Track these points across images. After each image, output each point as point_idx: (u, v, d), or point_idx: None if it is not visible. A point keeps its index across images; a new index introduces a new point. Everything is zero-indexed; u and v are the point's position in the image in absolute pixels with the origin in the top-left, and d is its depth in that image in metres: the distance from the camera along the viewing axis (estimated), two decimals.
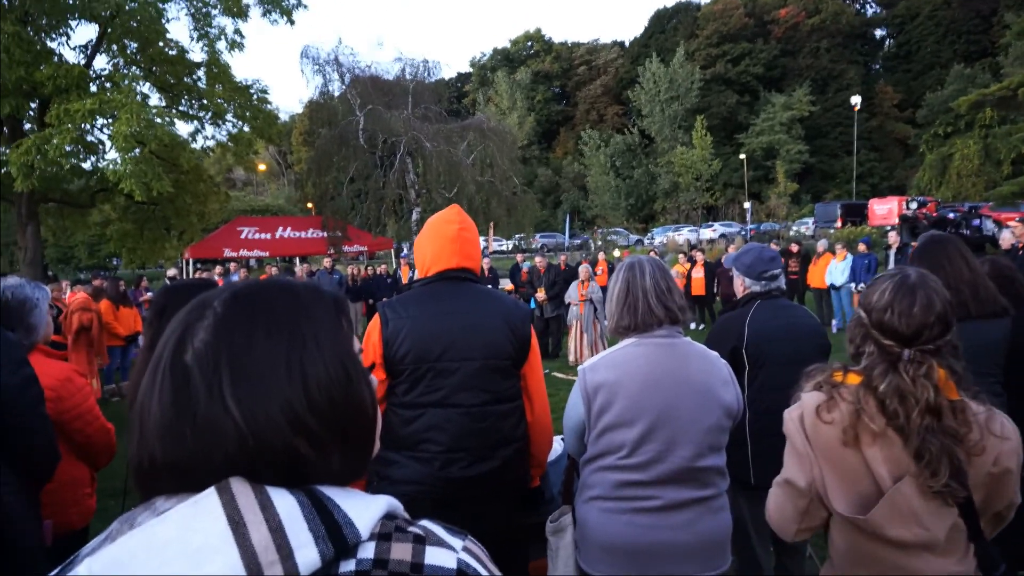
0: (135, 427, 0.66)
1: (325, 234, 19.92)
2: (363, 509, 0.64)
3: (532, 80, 62.24)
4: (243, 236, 19.07)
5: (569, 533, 2.15)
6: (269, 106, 18.60)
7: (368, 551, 0.62)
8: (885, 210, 28.07)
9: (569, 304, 10.22)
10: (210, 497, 0.60)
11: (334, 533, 0.60)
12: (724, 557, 2.02)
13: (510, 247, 30.91)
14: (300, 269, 13.96)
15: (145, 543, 0.58)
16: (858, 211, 31.36)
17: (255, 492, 0.60)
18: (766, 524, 2.76)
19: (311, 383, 0.65)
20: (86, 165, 17.10)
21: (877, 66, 62.10)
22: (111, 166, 14.26)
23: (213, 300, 0.69)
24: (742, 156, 48.29)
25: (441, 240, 2.25)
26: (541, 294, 10.98)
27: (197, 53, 17.21)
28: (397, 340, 2.12)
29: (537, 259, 11.73)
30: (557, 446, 2.80)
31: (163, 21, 15.71)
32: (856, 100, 39.13)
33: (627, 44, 66.42)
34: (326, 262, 14.13)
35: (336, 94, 23.40)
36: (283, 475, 0.63)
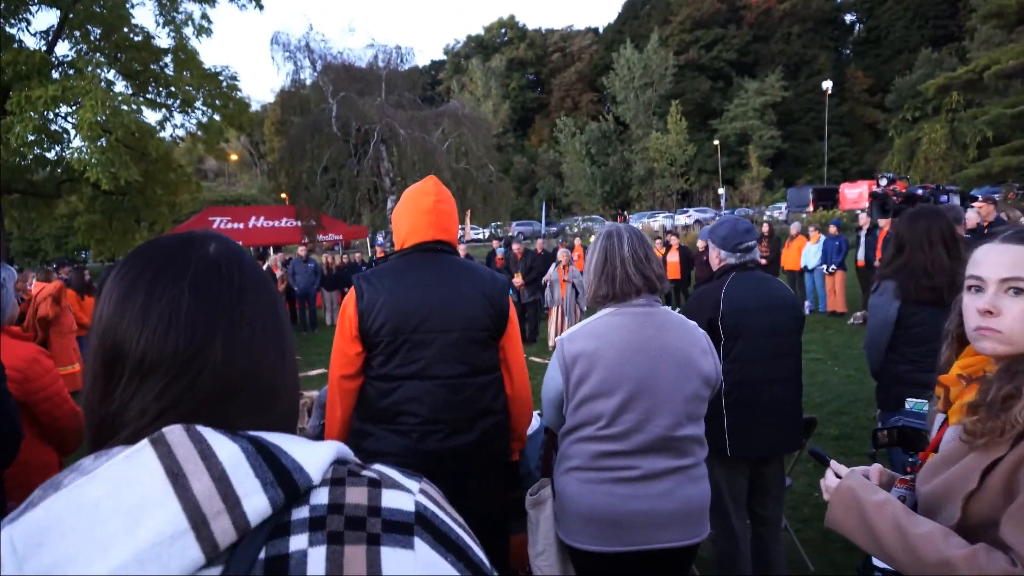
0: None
1: (299, 223, 19.68)
2: (312, 454, 0.61)
3: (506, 67, 61.98)
4: (216, 226, 18.75)
5: (549, 506, 2.14)
6: (239, 94, 18.32)
7: (322, 496, 0.59)
8: (856, 194, 28.48)
9: (547, 284, 10.21)
10: (144, 450, 0.56)
11: (283, 479, 0.57)
12: (703, 525, 2.02)
13: (486, 235, 30.81)
14: (274, 258, 13.76)
15: (73, 505, 0.54)
16: (829, 195, 31.81)
17: (193, 441, 0.56)
18: (742, 494, 2.81)
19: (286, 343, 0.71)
20: (51, 155, 16.73)
21: (848, 51, 62.79)
22: (76, 155, 13.94)
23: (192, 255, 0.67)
24: (716, 142, 48.67)
25: (417, 212, 2.21)
26: (518, 279, 10.97)
27: (164, 39, 16.88)
28: (373, 312, 2.09)
29: (514, 245, 11.69)
30: (535, 421, 2.80)
31: (128, 6, 15.36)
32: (827, 85, 39.62)
33: (601, 31, 66.41)
34: (301, 251, 13.98)
35: (308, 82, 23.03)
36: (218, 424, 0.60)
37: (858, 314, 10.53)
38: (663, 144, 47.30)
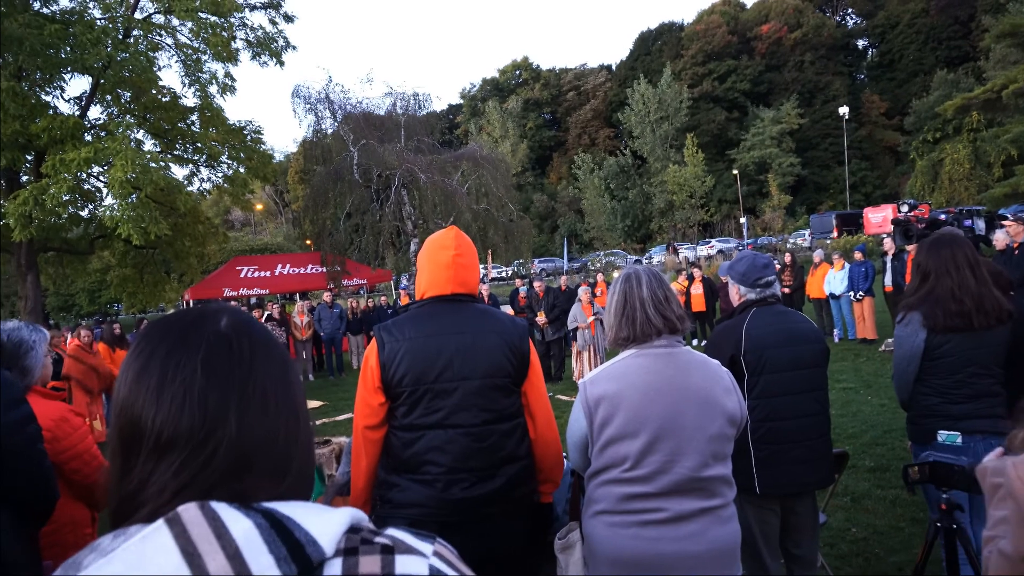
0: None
1: (324, 269, 19.96)
2: (325, 524, 0.62)
3: (523, 108, 62.97)
4: (243, 275, 19.10)
5: (578, 549, 2.13)
6: (263, 146, 18.80)
7: (335, 568, 0.60)
8: (880, 218, 28.19)
9: (577, 328, 10.18)
10: (159, 530, 0.58)
11: (296, 553, 0.58)
12: (735, 567, 1.99)
13: (509, 273, 30.96)
14: (300, 305, 13.95)
15: None
16: (853, 220, 31.52)
17: (207, 519, 0.58)
18: (774, 533, 2.75)
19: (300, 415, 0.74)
20: (84, 213, 17.27)
21: (862, 76, 62.83)
22: (108, 212, 14.38)
23: (206, 330, 0.70)
24: (735, 171, 48.64)
25: (436, 267, 2.25)
26: (541, 318, 10.97)
27: (190, 98, 17.46)
28: (394, 363, 2.11)
29: (536, 283, 11.73)
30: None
31: (155, 69, 15.91)
32: (844, 111, 39.62)
33: (614, 67, 67.30)
34: (326, 296, 14.15)
35: (329, 131, 23.62)
36: (234, 496, 0.63)
37: (889, 340, 10.33)
38: (681, 176, 47.43)
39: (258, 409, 0.69)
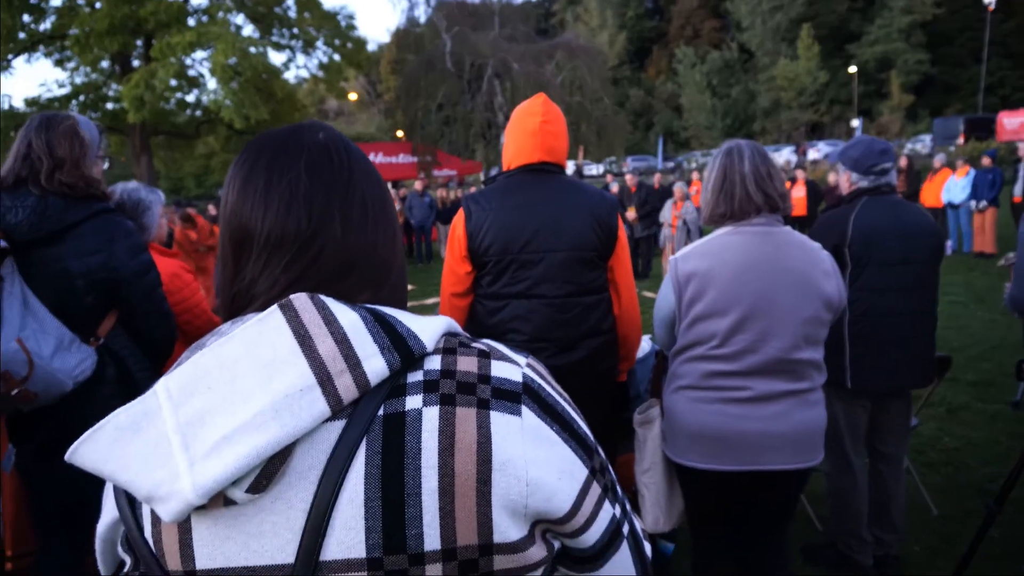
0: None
1: (416, 159, 20.17)
2: (425, 324, 0.64)
3: None
4: None
5: (657, 424, 2.15)
6: (356, 32, 18.75)
7: (435, 363, 0.63)
8: (1016, 124, 25.44)
9: (663, 225, 9.97)
10: (274, 314, 0.61)
11: (399, 345, 0.60)
12: (817, 451, 1.96)
13: (601, 171, 30.28)
14: (392, 193, 14.25)
15: (216, 361, 0.60)
16: (984, 126, 28.48)
17: (317, 308, 0.61)
18: (861, 428, 2.69)
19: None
20: (190, 98, 17.98)
21: None
22: (212, 97, 14.91)
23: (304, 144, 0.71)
24: (852, 69, 44.56)
25: (523, 134, 2.19)
26: (632, 213, 10.75)
27: None
28: (481, 232, 2.12)
29: (628, 177, 11.42)
30: (645, 344, 2.78)
31: None
32: None
33: None
34: (417, 185, 14.35)
35: (422, 19, 23.18)
36: (339, 295, 0.65)
37: (1010, 254, 9.54)
38: (792, 72, 43.97)
39: (359, 216, 0.70)
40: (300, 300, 0.61)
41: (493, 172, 3.35)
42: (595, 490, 0.66)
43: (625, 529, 0.70)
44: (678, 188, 10.01)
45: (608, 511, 0.68)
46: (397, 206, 13.57)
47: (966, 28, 47.24)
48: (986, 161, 10.84)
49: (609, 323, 2.23)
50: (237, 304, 0.69)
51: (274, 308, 0.61)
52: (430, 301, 9.03)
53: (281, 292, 0.66)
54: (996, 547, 2.84)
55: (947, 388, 4.78)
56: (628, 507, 0.73)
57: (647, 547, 0.74)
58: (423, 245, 14.00)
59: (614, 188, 11.65)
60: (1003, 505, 2.19)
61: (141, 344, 2.03)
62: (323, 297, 0.62)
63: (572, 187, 2.20)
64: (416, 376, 0.61)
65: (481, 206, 2.15)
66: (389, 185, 18.52)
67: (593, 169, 32.03)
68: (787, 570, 2.18)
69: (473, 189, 15.58)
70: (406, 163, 20.39)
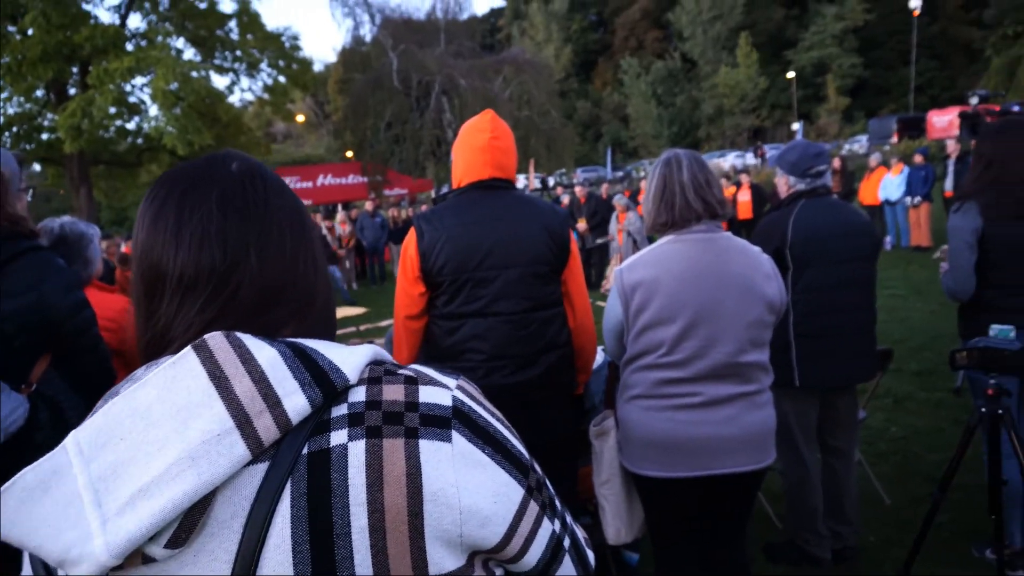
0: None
1: (366, 179, 20.03)
2: (348, 355, 0.63)
3: (568, 9, 60.07)
4: None
5: (612, 435, 2.16)
6: (301, 53, 18.57)
7: (359, 394, 0.61)
8: (945, 122, 26.51)
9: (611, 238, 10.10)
10: (188, 356, 0.59)
11: (321, 379, 0.59)
12: (769, 451, 2.00)
13: (551, 183, 30.55)
14: (342, 214, 14.09)
15: (128, 409, 0.57)
16: (916, 124, 29.70)
17: (233, 346, 0.59)
18: (812, 425, 2.75)
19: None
20: (130, 125, 17.52)
21: None
22: (153, 123, 14.57)
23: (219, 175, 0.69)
24: (790, 74, 46.05)
25: (472, 151, 2.19)
26: (582, 224, 10.86)
27: (227, 4, 17.25)
28: (434, 252, 2.10)
29: (577, 188, 11.56)
30: (599, 356, 2.80)
31: None
32: (916, 3, 36.64)
33: None
34: (368, 206, 14.24)
35: (368, 37, 23.14)
36: (259, 332, 0.63)
37: (944, 247, 9.95)
38: (733, 79, 45.20)
39: (277, 247, 0.68)
40: (215, 339, 0.59)
41: (444, 190, 3.34)
42: (533, 509, 0.66)
43: (567, 543, 0.70)
44: (617, 201, 10.15)
45: (547, 528, 0.67)
46: (347, 228, 13.48)
47: (895, 32, 49.31)
48: (918, 159, 11.30)
49: (565, 336, 2.24)
50: (153, 348, 0.67)
51: (188, 350, 0.59)
52: (384, 323, 8.93)
53: (198, 333, 0.63)
54: (946, 531, 2.94)
55: (892, 379, 4.93)
56: (568, 519, 0.73)
57: (590, 556, 0.75)
58: (376, 266, 13.87)
59: (565, 200, 11.75)
60: (946, 492, 2.26)
61: (77, 387, 1.96)
62: (240, 334, 0.61)
63: (524, 202, 2.21)
64: (340, 410, 0.60)
65: (433, 225, 2.14)
66: (339, 207, 18.40)
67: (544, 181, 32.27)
68: (749, 570, 2.22)
69: (425, 207, 15.54)
70: (356, 183, 20.25)
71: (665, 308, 1.92)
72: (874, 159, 12.31)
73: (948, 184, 10.41)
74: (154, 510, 0.52)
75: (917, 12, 36.37)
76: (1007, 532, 2.50)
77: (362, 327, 9.02)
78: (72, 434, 0.58)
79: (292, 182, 19.59)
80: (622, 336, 2.05)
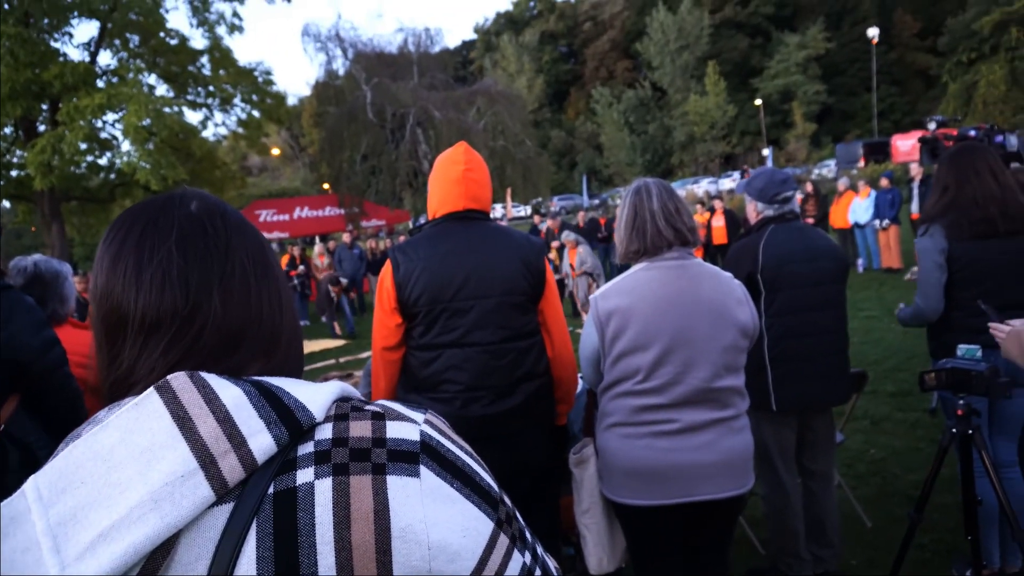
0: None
1: (343, 211, 20.00)
2: (314, 393, 0.62)
3: (538, 42, 61.26)
4: (261, 219, 19.21)
5: (592, 464, 2.15)
6: (275, 87, 18.60)
7: (326, 432, 0.61)
8: (908, 146, 27.27)
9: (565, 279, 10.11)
10: (151, 397, 0.58)
11: (286, 418, 0.59)
12: (748, 476, 2.01)
13: (528, 212, 30.76)
14: (319, 247, 14.04)
15: (90, 452, 0.56)
16: (881, 149, 30.58)
17: (197, 386, 0.58)
18: (790, 448, 2.77)
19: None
20: (102, 161, 17.33)
21: None
22: (126, 159, 14.44)
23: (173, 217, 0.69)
24: (758, 102, 47.19)
25: (446, 182, 2.21)
26: (555, 254, 10.93)
27: (198, 40, 17.34)
28: (410, 283, 2.10)
29: (549, 220, 11.66)
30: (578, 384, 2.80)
31: (162, 11, 15.69)
32: (873, 32, 37.91)
33: None
34: (345, 237, 14.19)
35: (341, 71, 23.30)
36: (224, 372, 0.63)
37: (914, 268, 10.14)
38: (702, 107, 46.17)
39: (240, 286, 0.68)
40: (179, 380, 0.59)
41: (421, 221, 3.34)
42: (503, 542, 0.65)
43: (537, 573, 0.70)
44: (566, 238, 10.23)
45: (518, 560, 0.67)
46: (325, 260, 13.40)
47: (855, 60, 50.90)
48: (884, 182, 11.57)
49: (543, 366, 2.24)
50: (116, 390, 0.66)
51: (151, 391, 0.58)
52: (364, 355, 8.85)
53: (162, 375, 0.62)
54: (927, 552, 2.96)
55: (869, 401, 4.99)
56: (540, 550, 0.73)
57: None
58: (355, 298, 13.79)
59: (544, 227, 11.84)
60: (923, 512, 2.28)
61: (47, 426, 1.92)
62: (204, 374, 0.60)
63: (499, 233, 2.23)
64: (307, 448, 0.59)
65: (408, 256, 2.15)
66: (316, 239, 18.33)
67: (521, 210, 32.52)
68: None
69: (403, 238, 15.54)
70: (333, 215, 20.19)
71: (640, 335, 1.93)
72: (843, 183, 12.57)
73: (914, 207, 10.66)
74: (115, 554, 0.51)
75: (876, 40, 37.58)
76: (985, 551, 2.52)
77: (342, 359, 8.94)
78: (32, 479, 0.57)
79: (269, 215, 19.47)
80: (599, 363, 2.05)
